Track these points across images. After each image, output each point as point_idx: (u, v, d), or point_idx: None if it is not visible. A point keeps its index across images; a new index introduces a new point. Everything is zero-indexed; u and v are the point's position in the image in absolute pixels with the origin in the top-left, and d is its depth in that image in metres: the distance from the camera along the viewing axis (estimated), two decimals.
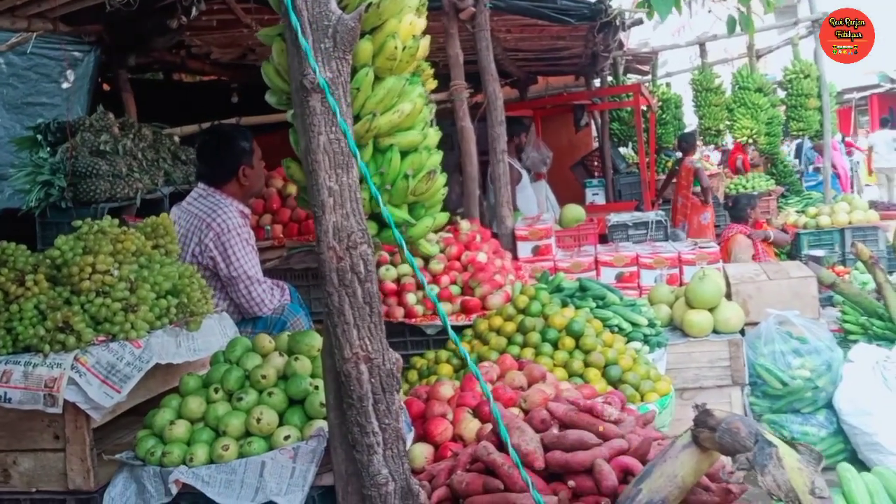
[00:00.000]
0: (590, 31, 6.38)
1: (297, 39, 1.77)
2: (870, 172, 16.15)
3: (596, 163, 9.85)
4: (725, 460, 1.89)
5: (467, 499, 2.06)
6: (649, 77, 11.48)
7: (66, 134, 4.36)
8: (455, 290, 3.75)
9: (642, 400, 3.09)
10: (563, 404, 2.25)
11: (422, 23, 2.08)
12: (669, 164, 9.81)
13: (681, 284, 4.59)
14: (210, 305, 2.63)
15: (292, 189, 4.85)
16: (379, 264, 3.77)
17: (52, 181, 4.21)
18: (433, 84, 3.26)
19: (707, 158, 13.74)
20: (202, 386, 2.33)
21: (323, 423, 2.15)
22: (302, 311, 3.29)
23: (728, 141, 12.12)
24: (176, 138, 5.18)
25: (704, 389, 4.05)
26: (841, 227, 7.26)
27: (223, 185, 3.33)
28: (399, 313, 3.67)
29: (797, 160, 13.54)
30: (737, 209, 7.24)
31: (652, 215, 5.82)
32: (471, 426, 2.45)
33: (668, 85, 11.65)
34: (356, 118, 1.96)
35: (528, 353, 3.18)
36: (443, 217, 2.25)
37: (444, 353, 3.31)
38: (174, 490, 2.09)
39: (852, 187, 13.14)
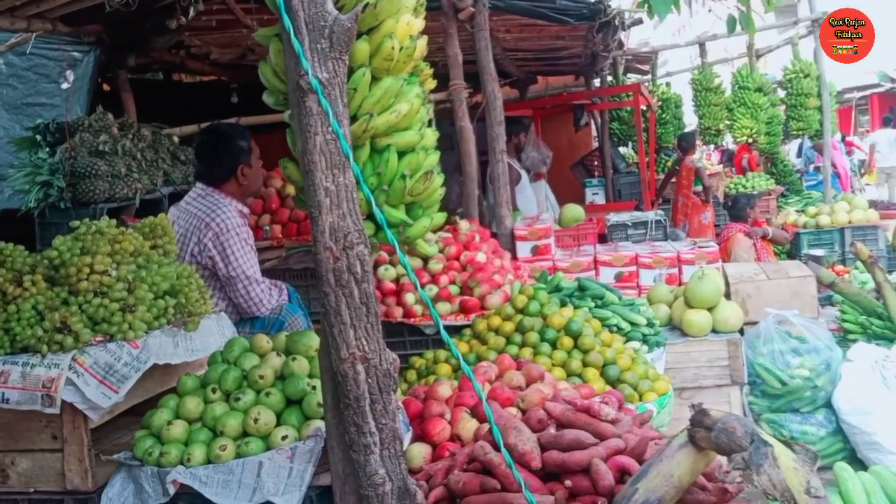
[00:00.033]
0: (589, 30, 6.38)
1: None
2: (870, 172, 16.14)
3: (596, 162, 9.86)
4: (722, 460, 1.89)
5: (464, 498, 2.06)
6: (649, 77, 11.49)
7: (65, 134, 4.36)
8: (454, 289, 3.75)
9: (641, 399, 3.09)
10: (560, 404, 2.25)
11: (419, 23, 2.08)
12: (669, 164, 9.81)
13: (680, 284, 4.59)
14: (208, 306, 2.63)
15: (291, 189, 4.86)
16: (378, 264, 3.78)
17: (51, 181, 4.21)
18: (432, 84, 3.27)
19: (708, 157, 13.75)
20: (200, 386, 2.33)
21: (320, 424, 2.15)
22: (300, 312, 3.29)
23: (728, 140, 12.13)
24: (175, 138, 5.18)
25: (703, 389, 4.05)
26: (841, 227, 7.27)
27: (222, 184, 3.33)
28: (398, 313, 3.67)
29: (799, 159, 13.55)
30: (736, 208, 7.24)
31: (651, 215, 5.82)
32: (469, 426, 2.45)
33: (667, 84, 11.65)
34: (353, 118, 1.97)
35: (527, 352, 3.18)
36: (440, 217, 2.25)
37: (442, 353, 3.31)
38: (172, 490, 2.09)
39: (852, 186, 13.13)
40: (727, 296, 4.35)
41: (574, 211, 5.85)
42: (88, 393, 2.17)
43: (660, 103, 10.79)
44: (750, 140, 10.04)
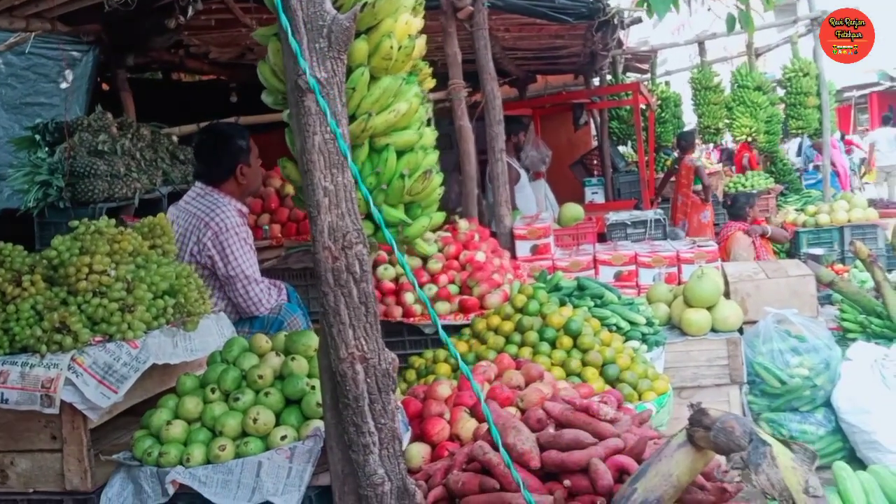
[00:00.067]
0: (588, 29, 6.37)
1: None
2: (870, 171, 16.14)
3: (595, 161, 9.86)
4: (721, 459, 1.89)
5: (463, 498, 2.06)
6: (648, 76, 11.49)
7: (65, 134, 4.36)
8: (453, 289, 3.75)
9: (640, 399, 3.10)
10: (559, 403, 2.25)
11: (418, 22, 2.08)
12: (668, 163, 9.81)
13: (679, 283, 4.59)
14: (207, 305, 2.63)
15: (290, 189, 4.85)
16: (377, 263, 3.78)
17: (50, 181, 4.21)
18: (431, 83, 3.26)
19: (708, 156, 13.76)
20: (199, 386, 2.33)
21: (320, 423, 2.15)
22: (299, 311, 3.29)
23: (728, 139, 12.13)
24: (174, 138, 5.17)
25: (703, 388, 4.05)
26: (840, 226, 7.26)
27: (221, 183, 3.33)
28: (397, 312, 3.67)
29: (798, 158, 13.55)
30: (735, 207, 7.24)
31: (651, 214, 5.82)
32: (468, 426, 2.46)
33: (667, 83, 11.66)
34: (352, 118, 1.96)
35: (526, 352, 3.18)
36: (439, 216, 2.25)
37: (441, 353, 3.31)
38: (171, 490, 2.09)
39: (851, 185, 13.14)
40: (726, 295, 4.35)
41: (573, 210, 5.85)
42: (87, 393, 2.18)
43: (659, 102, 10.79)
44: (749, 139, 10.04)
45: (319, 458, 2.10)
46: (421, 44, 2.10)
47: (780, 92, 10.58)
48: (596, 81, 9.99)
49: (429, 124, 2.27)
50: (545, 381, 2.72)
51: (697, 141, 10.11)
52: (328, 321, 1.84)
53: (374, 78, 2.00)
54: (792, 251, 7.51)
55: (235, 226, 3.21)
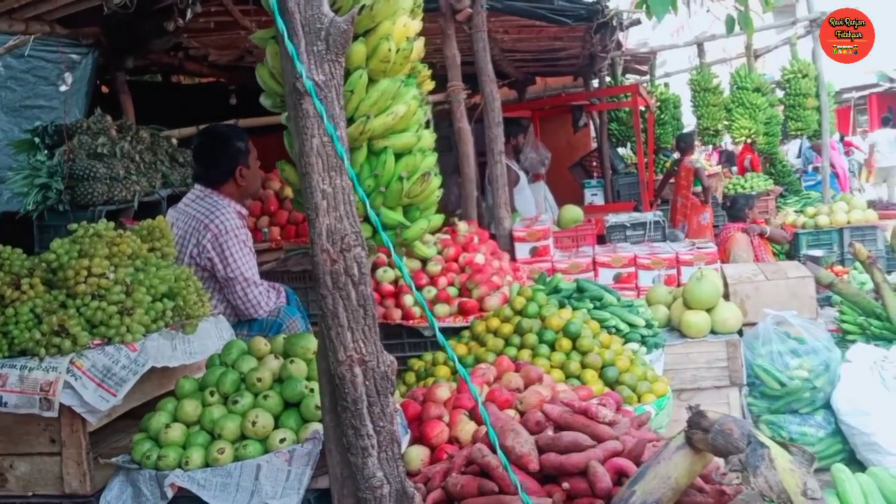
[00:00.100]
0: (587, 31, 6.38)
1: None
2: (870, 171, 16.16)
3: (594, 163, 9.86)
4: (719, 462, 1.89)
5: (462, 501, 2.06)
6: (647, 77, 11.50)
7: (64, 137, 4.36)
8: (452, 291, 3.75)
9: (639, 401, 3.09)
10: (558, 406, 2.25)
11: (416, 25, 2.08)
12: (668, 165, 9.82)
13: (678, 285, 4.59)
14: (206, 308, 2.63)
15: (290, 191, 4.86)
16: (376, 266, 3.78)
17: (49, 184, 4.21)
18: (430, 85, 3.26)
19: (708, 158, 13.77)
20: (198, 389, 2.33)
21: (318, 426, 2.15)
22: (298, 314, 3.29)
23: (727, 141, 12.13)
24: (174, 140, 5.18)
25: (702, 390, 4.05)
26: (839, 227, 7.26)
27: (220, 185, 3.33)
28: (397, 315, 3.67)
29: (798, 160, 13.57)
30: (735, 209, 7.24)
31: (650, 216, 5.83)
32: (467, 428, 2.45)
33: (666, 85, 11.66)
34: (350, 120, 1.97)
35: (526, 354, 3.18)
36: (438, 219, 2.25)
37: (441, 355, 3.31)
38: (170, 494, 2.09)
39: (850, 186, 13.15)
40: (726, 297, 4.35)
41: (573, 212, 5.85)
42: (86, 396, 2.18)
43: (658, 104, 10.81)
44: (749, 140, 10.05)
45: (318, 460, 2.10)
46: (419, 46, 2.10)
47: (779, 93, 10.59)
48: (595, 83, 9.99)
49: (428, 126, 2.27)
50: (544, 383, 2.72)
51: (696, 142, 10.11)
52: (327, 324, 1.84)
53: (372, 80, 2.00)
54: (791, 253, 7.51)
55: (235, 228, 3.21)
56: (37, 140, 4.44)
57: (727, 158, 13.08)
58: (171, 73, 7.50)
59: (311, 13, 1.79)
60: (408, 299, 3.67)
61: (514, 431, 2.10)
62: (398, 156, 2.09)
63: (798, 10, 13.71)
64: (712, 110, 9.90)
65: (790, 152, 13.40)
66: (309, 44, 1.78)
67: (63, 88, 4.81)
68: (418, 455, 2.40)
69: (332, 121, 1.79)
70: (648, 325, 3.73)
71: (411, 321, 3.65)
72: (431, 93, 3.07)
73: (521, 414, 2.40)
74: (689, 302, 4.14)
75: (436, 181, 2.18)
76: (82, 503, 2.25)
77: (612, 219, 5.89)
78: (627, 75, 11.37)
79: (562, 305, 3.56)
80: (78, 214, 4.07)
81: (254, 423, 2.16)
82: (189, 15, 4.16)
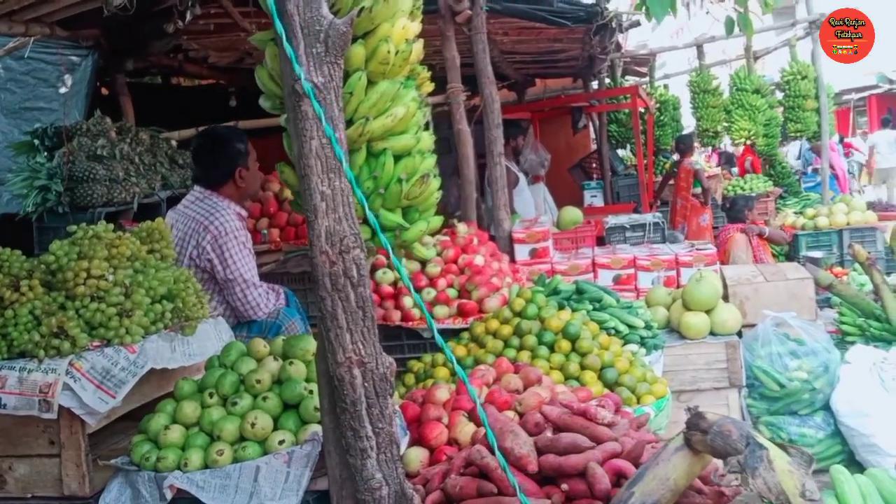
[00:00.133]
0: (586, 33, 6.38)
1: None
2: (870, 173, 16.16)
3: (594, 165, 9.87)
4: (718, 463, 1.89)
5: (461, 502, 2.06)
6: (647, 79, 11.51)
7: (63, 138, 4.36)
8: (452, 293, 3.76)
9: (638, 402, 3.09)
10: (557, 407, 2.25)
11: (415, 27, 2.08)
12: (667, 166, 9.82)
13: (678, 286, 4.60)
14: (205, 310, 2.63)
15: (289, 193, 4.84)
16: (376, 268, 3.78)
17: (49, 186, 4.21)
18: (430, 87, 3.26)
19: (708, 159, 13.78)
20: (197, 391, 2.33)
21: (317, 428, 2.15)
22: (297, 316, 3.29)
23: (726, 142, 12.14)
24: (173, 142, 5.18)
25: (701, 392, 4.05)
26: (839, 229, 7.26)
27: (220, 187, 3.34)
28: (396, 316, 3.68)
29: (798, 161, 13.58)
30: (734, 210, 7.25)
31: (649, 217, 5.84)
32: (466, 430, 2.45)
33: (665, 87, 11.68)
34: (349, 122, 1.97)
35: (525, 355, 3.18)
36: (437, 221, 2.26)
37: (440, 357, 3.32)
38: (169, 495, 2.09)
39: (850, 188, 13.15)
40: (725, 298, 4.35)
41: (572, 213, 5.86)
42: (85, 398, 2.18)
43: (658, 105, 10.81)
44: (749, 142, 10.06)
45: (317, 462, 2.10)
46: (418, 48, 2.11)
47: (779, 95, 10.61)
48: (595, 85, 10.00)
49: (427, 128, 2.27)
50: (543, 384, 2.72)
51: (696, 144, 10.12)
52: (325, 325, 1.84)
53: (371, 82, 2.01)
54: (791, 254, 7.52)
55: (234, 229, 3.21)
56: (36, 142, 4.44)
57: (726, 160, 13.09)
58: (171, 75, 7.50)
59: (310, 15, 1.79)
60: (407, 301, 3.67)
61: (513, 433, 2.10)
62: (397, 157, 2.09)
63: (797, 11, 13.73)
64: (712, 112, 9.91)
65: (790, 154, 13.40)
66: (308, 46, 1.79)
67: (63, 90, 4.81)
68: (417, 456, 2.41)
69: (330, 123, 1.79)
70: (648, 327, 3.73)
71: (411, 323, 3.66)
72: (431, 94, 3.08)
73: (521, 415, 2.40)
74: (689, 303, 4.14)
75: (435, 183, 2.18)
76: None
77: (612, 220, 5.89)
78: (627, 77, 11.39)
79: (561, 307, 3.56)
80: (77, 216, 4.07)
81: (253, 425, 2.16)
82: (189, 17, 4.16)
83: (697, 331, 4.07)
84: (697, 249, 4.89)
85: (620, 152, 10.90)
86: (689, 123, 11.69)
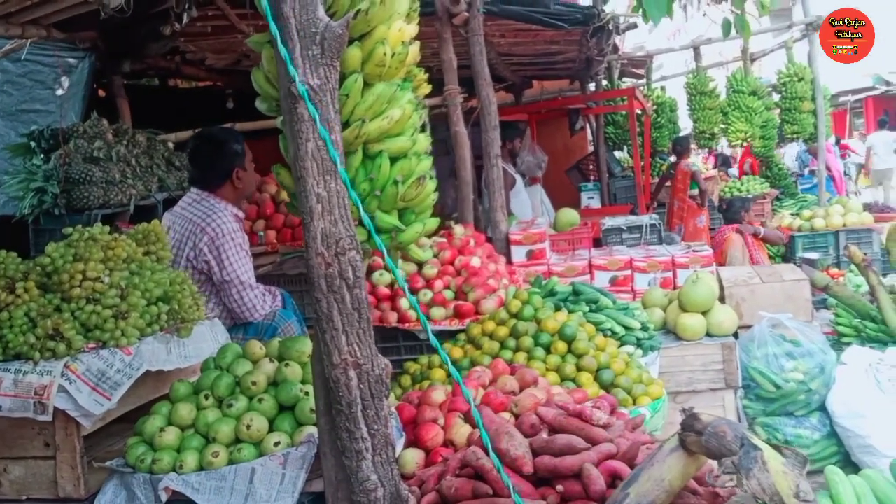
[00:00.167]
0: (583, 35, 6.39)
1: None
2: (866, 174, 16.20)
3: (591, 166, 9.88)
4: (713, 464, 1.90)
5: None
6: (644, 81, 11.53)
7: (60, 141, 4.36)
8: (449, 294, 3.76)
9: (634, 404, 3.10)
10: (552, 409, 2.25)
11: (412, 29, 2.09)
12: (664, 168, 9.84)
13: (674, 288, 4.60)
14: (201, 312, 2.63)
15: (285, 195, 4.85)
16: (373, 270, 3.78)
17: (45, 188, 4.21)
18: (427, 89, 3.27)
19: (705, 161, 13.81)
20: (192, 393, 2.33)
21: (313, 430, 2.15)
22: (294, 317, 3.29)
23: (723, 144, 12.15)
24: (170, 144, 5.18)
25: (698, 393, 4.05)
26: (835, 230, 7.27)
27: (217, 188, 3.34)
28: (392, 318, 3.68)
29: (796, 163, 13.61)
30: (731, 212, 7.25)
31: (646, 219, 5.84)
32: (462, 431, 2.46)
33: (662, 88, 11.69)
34: (346, 125, 1.97)
35: (521, 357, 3.19)
36: (433, 222, 2.26)
37: (437, 358, 3.32)
38: (164, 497, 2.09)
39: (847, 189, 13.18)
40: (721, 299, 4.35)
41: (569, 215, 5.86)
42: (81, 400, 2.18)
43: (655, 107, 10.83)
44: (745, 144, 10.08)
45: (313, 464, 2.10)
46: (415, 50, 2.11)
47: (775, 97, 10.62)
48: (592, 87, 10.02)
49: (424, 130, 2.27)
50: (539, 386, 2.72)
51: (693, 146, 10.13)
52: (321, 327, 1.84)
53: (367, 84, 2.01)
54: (787, 255, 7.53)
55: (232, 231, 3.21)
56: (33, 144, 4.44)
57: (723, 162, 13.12)
58: (168, 77, 7.50)
59: (307, 18, 1.79)
60: (403, 303, 3.67)
61: (509, 434, 2.10)
62: (393, 160, 2.10)
63: (794, 13, 13.77)
64: (708, 114, 9.92)
65: (787, 155, 13.43)
66: (304, 48, 1.79)
67: (59, 92, 4.81)
68: (413, 458, 2.41)
69: (326, 125, 1.79)
70: (644, 328, 3.74)
71: (407, 324, 3.66)
72: (428, 96, 3.08)
73: (516, 417, 2.41)
74: (685, 305, 4.15)
75: (431, 185, 2.18)
76: None
77: (609, 222, 5.90)
78: (624, 79, 11.40)
79: (557, 308, 3.57)
80: (73, 218, 4.07)
81: (248, 427, 2.16)
82: (185, 19, 4.17)
83: (694, 332, 4.07)
84: (694, 251, 4.90)
85: (617, 154, 10.91)
86: (685, 125, 11.71)
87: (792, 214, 8.24)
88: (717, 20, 5.56)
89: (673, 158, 9.22)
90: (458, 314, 3.66)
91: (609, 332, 3.57)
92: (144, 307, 2.41)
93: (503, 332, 3.33)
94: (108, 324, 2.29)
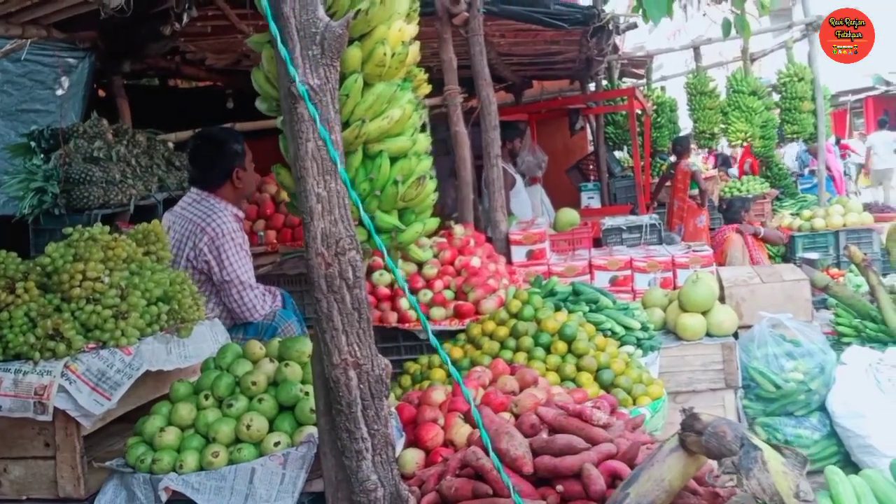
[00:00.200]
0: (583, 35, 6.39)
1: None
2: (866, 174, 16.19)
3: (591, 166, 9.88)
4: (713, 464, 1.90)
5: None
6: (644, 81, 11.53)
7: (60, 141, 4.36)
8: (449, 294, 3.76)
9: (634, 404, 3.10)
10: (552, 409, 2.25)
11: (412, 29, 2.09)
12: (664, 168, 9.84)
13: (674, 288, 4.60)
14: (201, 312, 2.63)
15: (285, 195, 4.85)
16: (373, 270, 3.78)
17: (45, 188, 4.21)
18: (427, 89, 3.27)
19: (705, 161, 13.81)
20: (192, 393, 2.33)
21: (313, 430, 2.15)
22: (294, 317, 3.29)
23: (723, 144, 12.15)
24: (170, 144, 5.18)
25: (698, 393, 4.05)
26: (835, 230, 7.27)
27: (217, 188, 3.34)
28: (392, 318, 3.68)
29: (796, 163, 13.61)
30: (731, 212, 7.25)
31: (646, 219, 5.84)
32: (462, 431, 2.46)
33: (662, 88, 11.69)
34: (346, 125, 1.97)
35: (521, 357, 3.19)
36: (433, 222, 2.26)
37: (437, 358, 3.32)
38: (164, 497, 2.09)
39: (847, 189, 13.19)
40: (721, 299, 4.35)
41: (569, 215, 5.86)
42: (81, 400, 2.18)
43: (655, 107, 10.83)
44: (745, 144, 10.08)
45: (313, 464, 2.10)
46: (415, 50, 2.11)
47: (775, 97, 10.62)
48: (592, 87, 10.02)
49: (424, 130, 2.27)
50: (539, 386, 2.72)
51: (693, 146, 10.13)
52: (321, 327, 1.84)
53: (367, 84, 2.01)
54: (787, 255, 7.53)
55: (232, 231, 3.21)
56: (33, 144, 4.44)
57: (723, 162, 13.12)
58: (168, 77, 7.50)
59: (307, 18, 1.79)
60: (403, 303, 3.67)
61: (509, 434, 2.10)
62: (393, 160, 2.10)
63: (794, 13, 13.78)
64: (708, 114, 9.93)
65: (787, 155, 13.43)
66: (304, 48, 1.79)
67: (59, 92, 4.81)
68: (413, 458, 2.41)
69: (326, 125, 1.79)
70: (644, 328, 3.74)
71: (407, 324, 3.66)
72: (428, 96, 3.08)
73: (516, 417, 2.41)
74: (685, 305, 4.15)
75: (431, 185, 2.18)
76: None
77: (609, 222, 5.90)
78: (624, 79, 11.40)
79: (557, 308, 3.57)
80: (73, 218, 4.07)
81: (248, 427, 2.16)
82: (185, 19, 4.17)
83: (694, 332, 4.07)
84: (694, 251, 4.90)
85: (617, 154, 10.92)
86: (685, 125, 11.72)
87: (792, 214, 8.24)
88: (717, 20, 5.56)
89: (673, 158, 9.22)
90: (458, 314, 3.66)
91: (609, 332, 3.57)
92: (144, 307, 2.41)
93: (503, 332, 3.33)
94: (108, 324, 2.29)
